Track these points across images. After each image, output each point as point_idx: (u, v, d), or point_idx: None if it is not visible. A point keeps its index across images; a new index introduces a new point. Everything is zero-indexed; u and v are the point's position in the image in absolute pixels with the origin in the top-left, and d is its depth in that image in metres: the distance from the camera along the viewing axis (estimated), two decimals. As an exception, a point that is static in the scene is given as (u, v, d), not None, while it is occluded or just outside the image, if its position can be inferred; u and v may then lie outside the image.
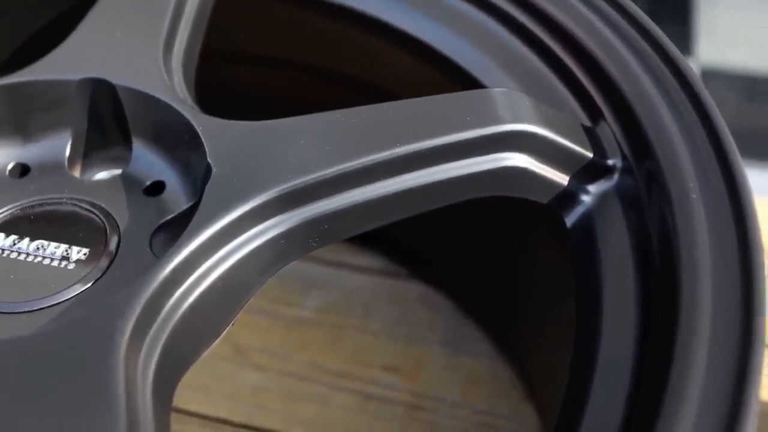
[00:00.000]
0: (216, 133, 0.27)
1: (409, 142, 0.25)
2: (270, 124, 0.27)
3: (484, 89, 0.29)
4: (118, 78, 0.29)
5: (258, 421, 0.38)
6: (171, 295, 0.23)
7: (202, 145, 0.27)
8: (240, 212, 0.24)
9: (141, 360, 0.22)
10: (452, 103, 0.27)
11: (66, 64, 0.30)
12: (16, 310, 0.25)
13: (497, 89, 0.28)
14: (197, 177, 0.28)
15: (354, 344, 0.41)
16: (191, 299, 0.24)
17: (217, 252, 0.24)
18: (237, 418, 0.39)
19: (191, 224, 0.24)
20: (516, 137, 0.26)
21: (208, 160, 0.26)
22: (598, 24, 0.31)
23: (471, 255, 0.40)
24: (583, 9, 0.31)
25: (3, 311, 0.25)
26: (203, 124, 0.28)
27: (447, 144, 0.25)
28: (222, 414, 0.39)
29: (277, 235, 0.25)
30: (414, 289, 0.44)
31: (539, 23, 0.32)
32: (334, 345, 0.41)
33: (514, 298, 0.37)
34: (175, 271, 0.23)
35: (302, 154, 0.26)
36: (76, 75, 0.30)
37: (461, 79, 0.32)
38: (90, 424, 0.20)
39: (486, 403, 0.39)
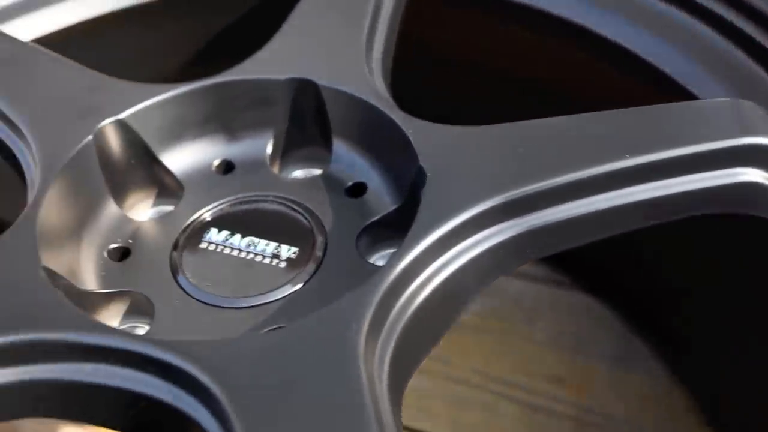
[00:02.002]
0: (426, 137, 0.27)
1: (639, 153, 0.24)
2: (485, 129, 0.26)
3: (717, 99, 0.27)
4: (322, 78, 0.30)
5: (422, 425, 0.38)
6: (398, 299, 0.23)
7: (411, 148, 0.27)
8: (463, 218, 0.24)
9: (376, 364, 0.21)
10: (682, 113, 0.26)
11: (271, 64, 0.31)
12: (235, 305, 0.26)
13: (728, 99, 0.26)
14: (403, 180, 0.28)
15: (518, 352, 0.41)
16: (415, 305, 0.23)
17: (439, 258, 0.24)
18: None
19: (412, 230, 0.24)
20: (752, 151, 0.25)
21: (421, 164, 0.26)
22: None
23: (650, 268, 0.38)
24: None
25: (221, 305, 0.26)
26: (412, 127, 0.27)
27: (680, 156, 0.24)
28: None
29: (497, 244, 0.24)
30: (577, 298, 0.42)
31: (753, 22, 0.30)
32: (497, 352, 0.41)
33: (703, 317, 0.35)
34: (400, 275, 0.23)
35: (524, 161, 0.25)
36: (281, 75, 0.30)
37: (670, 89, 0.30)
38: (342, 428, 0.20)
39: (657, 424, 0.38)
